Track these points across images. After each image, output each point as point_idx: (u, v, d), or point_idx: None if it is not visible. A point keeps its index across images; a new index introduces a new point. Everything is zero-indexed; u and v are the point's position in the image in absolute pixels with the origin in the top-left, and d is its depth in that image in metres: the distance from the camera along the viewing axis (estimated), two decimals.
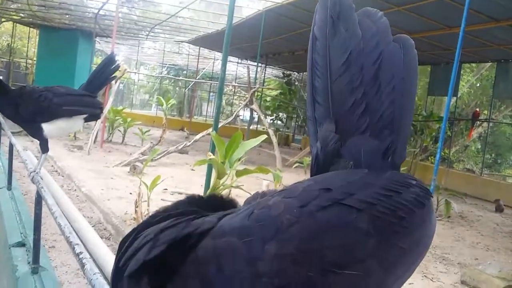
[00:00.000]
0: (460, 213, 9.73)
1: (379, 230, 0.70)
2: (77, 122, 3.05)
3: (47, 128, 2.92)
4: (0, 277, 3.48)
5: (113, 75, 3.10)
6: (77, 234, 1.94)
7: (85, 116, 3.00)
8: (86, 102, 2.97)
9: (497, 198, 10.22)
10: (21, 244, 3.40)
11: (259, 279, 0.63)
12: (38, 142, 3.04)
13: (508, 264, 6.63)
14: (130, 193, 7.97)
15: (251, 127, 17.37)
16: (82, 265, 1.71)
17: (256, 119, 20.59)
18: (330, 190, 0.73)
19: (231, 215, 0.73)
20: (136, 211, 6.33)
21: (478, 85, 18.48)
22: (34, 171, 3.00)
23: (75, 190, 7.66)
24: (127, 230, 5.49)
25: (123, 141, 14.71)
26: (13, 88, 2.98)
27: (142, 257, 0.69)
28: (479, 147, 17.58)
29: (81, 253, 1.80)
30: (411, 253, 0.75)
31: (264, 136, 5.49)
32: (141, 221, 4.91)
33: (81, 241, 1.89)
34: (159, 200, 7.53)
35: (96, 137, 12.63)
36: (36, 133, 2.93)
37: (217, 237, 0.68)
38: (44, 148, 3.02)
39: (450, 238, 7.85)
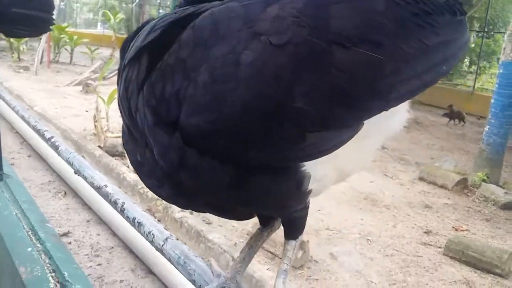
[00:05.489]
0: (415, 119, 10.08)
1: (399, 17, 0.64)
2: None
3: None
4: None
5: None
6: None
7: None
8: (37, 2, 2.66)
9: (450, 104, 10.59)
10: None
11: (257, 36, 0.59)
12: None
13: (461, 161, 7.03)
14: (86, 111, 7.66)
15: None
16: (56, 148, 1.58)
17: None
18: None
19: None
20: (95, 126, 6.10)
21: None
22: None
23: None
24: (88, 145, 5.32)
25: (71, 61, 13.91)
26: None
27: (138, 45, 0.67)
28: None
29: (52, 137, 1.67)
30: (435, 54, 0.69)
31: None
32: (102, 136, 4.74)
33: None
34: (118, 116, 7.29)
35: (42, 57, 11.85)
36: None
37: (216, 6, 0.64)
38: None
39: (407, 141, 8.17)
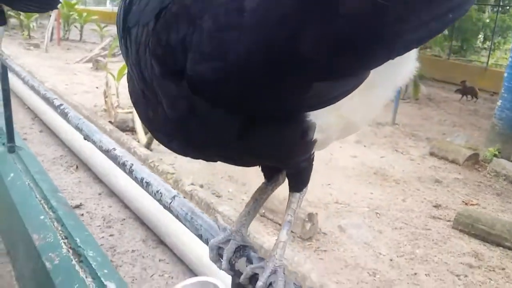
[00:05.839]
0: (427, 95, 9.96)
1: None
2: None
3: None
4: None
5: None
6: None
7: None
8: None
9: (463, 80, 10.42)
10: None
11: None
12: None
13: (473, 137, 6.95)
14: (97, 87, 7.69)
15: None
16: (65, 115, 1.59)
17: None
18: None
19: None
20: (106, 102, 6.13)
21: None
22: None
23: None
24: (99, 121, 5.36)
25: (81, 38, 13.91)
26: None
27: (157, 6, 0.63)
28: (446, 33, 17.55)
29: (61, 105, 1.68)
30: (442, 2, 0.67)
31: None
32: (112, 112, 4.74)
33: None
34: (128, 92, 7.31)
35: (52, 34, 11.86)
36: None
37: None
38: (1, 19, 2.75)
39: (419, 118, 8.09)
